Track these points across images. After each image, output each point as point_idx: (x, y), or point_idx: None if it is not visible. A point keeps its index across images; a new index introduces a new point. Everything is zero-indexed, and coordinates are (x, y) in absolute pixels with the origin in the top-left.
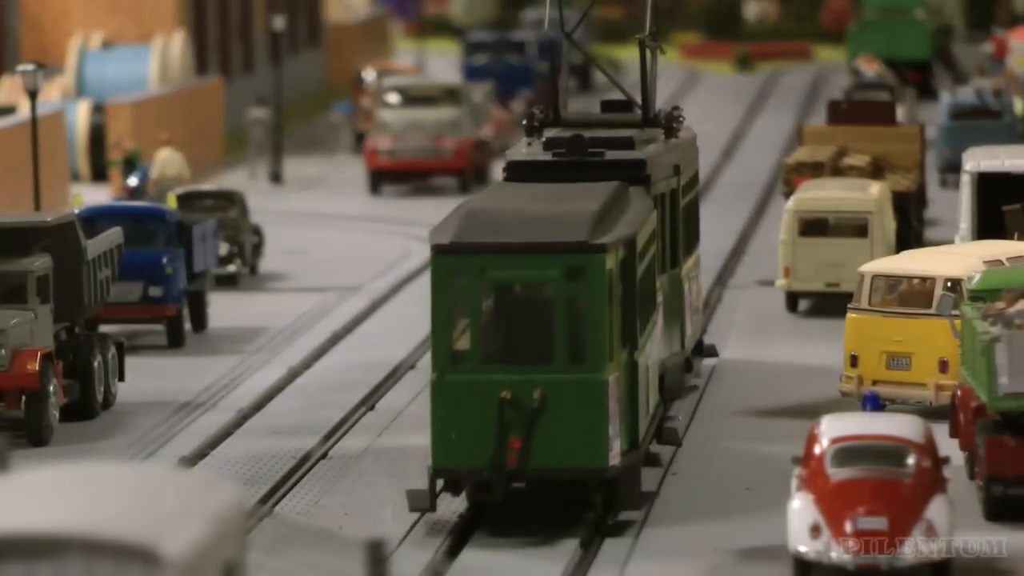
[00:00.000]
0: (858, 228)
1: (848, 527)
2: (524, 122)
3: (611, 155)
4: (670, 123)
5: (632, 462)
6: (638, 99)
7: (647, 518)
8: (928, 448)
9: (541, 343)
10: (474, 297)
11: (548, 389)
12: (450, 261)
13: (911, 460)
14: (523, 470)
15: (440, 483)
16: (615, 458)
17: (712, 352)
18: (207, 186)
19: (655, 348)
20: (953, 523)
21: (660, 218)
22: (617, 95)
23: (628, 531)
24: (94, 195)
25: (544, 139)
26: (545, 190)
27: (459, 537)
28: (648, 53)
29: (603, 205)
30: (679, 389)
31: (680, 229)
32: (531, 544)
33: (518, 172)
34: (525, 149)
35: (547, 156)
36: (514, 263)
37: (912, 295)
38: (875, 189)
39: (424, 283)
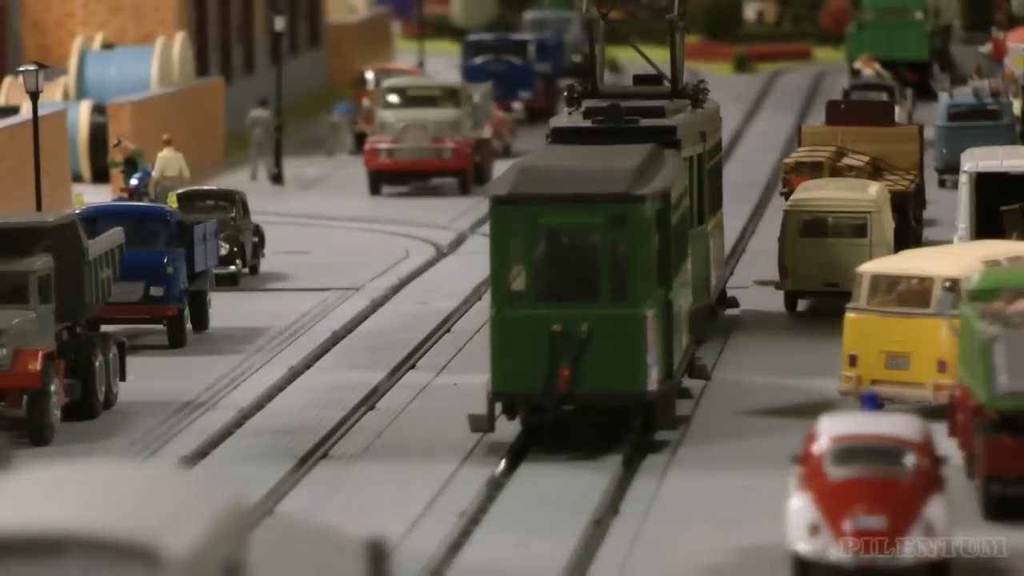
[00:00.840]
0: (857, 228)
1: (847, 526)
2: (565, 94)
3: (645, 122)
4: (696, 95)
5: (668, 389)
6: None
7: (648, 514)
8: (927, 447)
9: (588, 282)
10: (528, 242)
11: (594, 323)
12: (507, 210)
13: (910, 459)
14: (572, 394)
15: (498, 406)
16: (653, 384)
17: (733, 303)
18: (208, 186)
19: (686, 291)
20: (952, 523)
21: (688, 179)
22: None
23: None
24: (95, 195)
25: (583, 108)
26: (587, 151)
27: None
28: (676, 32)
29: (641, 163)
30: (705, 332)
31: (706, 189)
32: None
33: (561, 137)
34: (566, 117)
35: (587, 123)
36: (564, 211)
37: (911, 295)
38: (874, 189)
39: (424, 283)
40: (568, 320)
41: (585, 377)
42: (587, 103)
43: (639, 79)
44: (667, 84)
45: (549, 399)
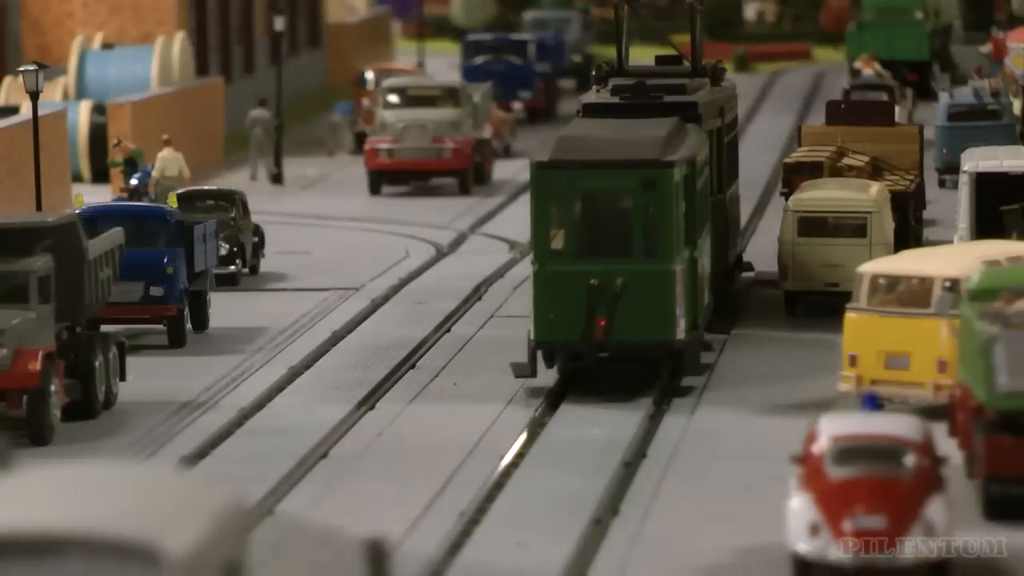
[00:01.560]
0: (857, 228)
1: (847, 526)
2: (593, 73)
3: (668, 98)
4: (715, 74)
5: (693, 338)
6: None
7: (648, 514)
8: (927, 447)
9: (622, 240)
10: (568, 204)
11: (627, 277)
12: (548, 175)
13: (910, 459)
14: (607, 342)
15: (539, 354)
16: (681, 333)
17: (749, 267)
18: (208, 186)
19: (709, 252)
20: (952, 523)
21: (709, 150)
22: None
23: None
24: (95, 195)
25: (611, 86)
26: (618, 123)
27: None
28: (696, 16)
29: (668, 133)
30: (725, 291)
31: (724, 161)
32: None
33: (591, 112)
34: (595, 94)
35: (615, 99)
36: (600, 176)
37: (911, 295)
38: (874, 189)
39: (424, 283)
40: (604, 275)
41: (619, 327)
42: (614, 81)
43: (660, 60)
44: (687, 64)
45: (586, 347)
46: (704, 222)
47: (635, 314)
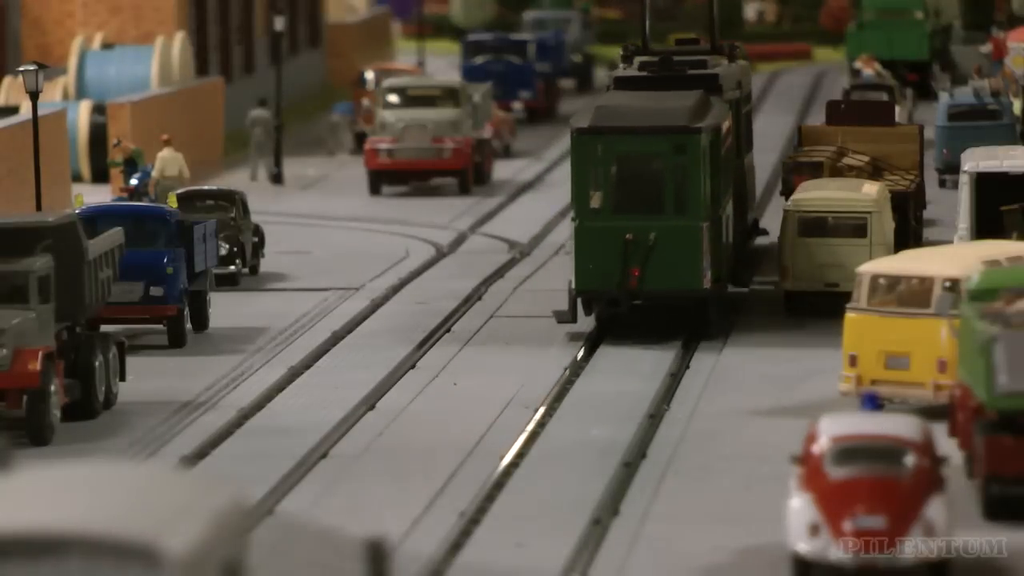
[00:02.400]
0: (857, 228)
1: (847, 526)
2: (621, 52)
3: (691, 71)
4: (731, 52)
5: (718, 289)
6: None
7: (648, 514)
8: (927, 447)
9: (654, 199)
10: (605, 166)
11: (659, 232)
12: (588, 140)
13: (910, 459)
14: (641, 290)
15: (579, 301)
16: (707, 283)
17: (763, 231)
18: (208, 186)
19: (731, 212)
20: (952, 523)
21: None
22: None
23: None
24: (95, 195)
25: (638, 63)
26: (648, 94)
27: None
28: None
29: (695, 104)
30: (742, 250)
31: (742, 130)
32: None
33: (622, 85)
34: (622, 70)
35: (644, 72)
36: (634, 141)
37: (911, 295)
38: (874, 189)
39: (424, 283)
40: (638, 230)
41: (652, 277)
42: (639, 59)
43: (680, 42)
44: (704, 45)
45: (622, 295)
46: (728, 185)
47: (666, 265)
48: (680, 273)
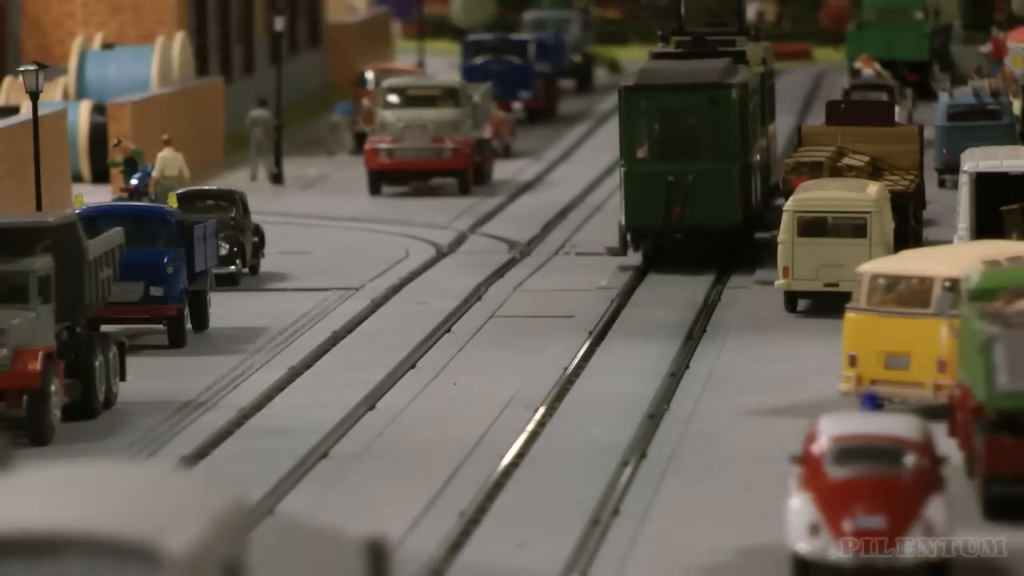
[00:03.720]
0: (857, 228)
1: (847, 526)
2: (659, 32)
3: (722, 48)
4: (756, 33)
5: (747, 222)
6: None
7: (648, 514)
8: (927, 447)
9: (691, 146)
10: (650, 118)
11: (697, 175)
12: (634, 96)
13: (910, 459)
14: (682, 225)
15: (629, 236)
16: (738, 218)
17: (779, 189)
18: (208, 186)
19: (757, 161)
20: (951, 523)
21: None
22: None
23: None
24: (95, 195)
25: (674, 42)
26: (684, 61)
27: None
28: None
29: (725, 66)
30: (766, 206)
31: (766, 101)
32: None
33: (659, 58)
34: (660, 48)
35: (680, 50)
36: (674, 96)
37: (911, 295)
38: (874, 189)
39: (424, 283)
40: (678, 173)
41: (690, 213)
42: (675, 38)
43: (709, 24)
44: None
45: (665, 229)
46: (754, 137)
47: (702, 203)
48: (715, 209)
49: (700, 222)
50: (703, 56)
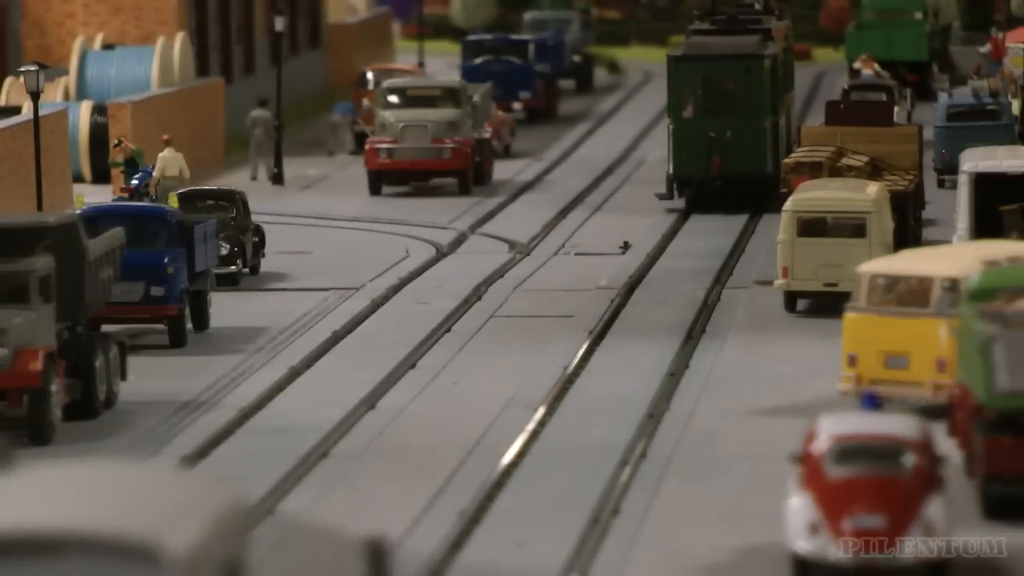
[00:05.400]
0: (856, 228)
1: (846, 526)
2: (695, 12)
3: (751, 26)
4: (780, 13)
5: (775, 169)
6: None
7: (648, 514)
8: (926, 447)
9: (730, 106)
10: (693, 83)
11: (734, 130)
12: (681, 64)
13: (909, 459)
14: (721, 174)
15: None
16: (768, 168)
17: (798, 142)
18: (208, 186)
19: (782, 122)
20: (951, 522)
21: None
22: None
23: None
24: (96, 195)
25: (709, 21)
26: (721, 36)
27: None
28: None
29: (757, 40)
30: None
31: (787, 72)
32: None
33: (699, 34)
34: (696, 25)
35: (714, 27)
36: (716, 65)
37: (910, 295)
38: (873, 189)
39: (424, 283)
40: (718, 129)
41: (729, 163)
42: (710, 18)
43: (738, 5)
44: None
45: (707, 176)
46: (780, 101)
47: (739, 154)
48: (749, 160)
49: (736, 170)
50: (736, 32)
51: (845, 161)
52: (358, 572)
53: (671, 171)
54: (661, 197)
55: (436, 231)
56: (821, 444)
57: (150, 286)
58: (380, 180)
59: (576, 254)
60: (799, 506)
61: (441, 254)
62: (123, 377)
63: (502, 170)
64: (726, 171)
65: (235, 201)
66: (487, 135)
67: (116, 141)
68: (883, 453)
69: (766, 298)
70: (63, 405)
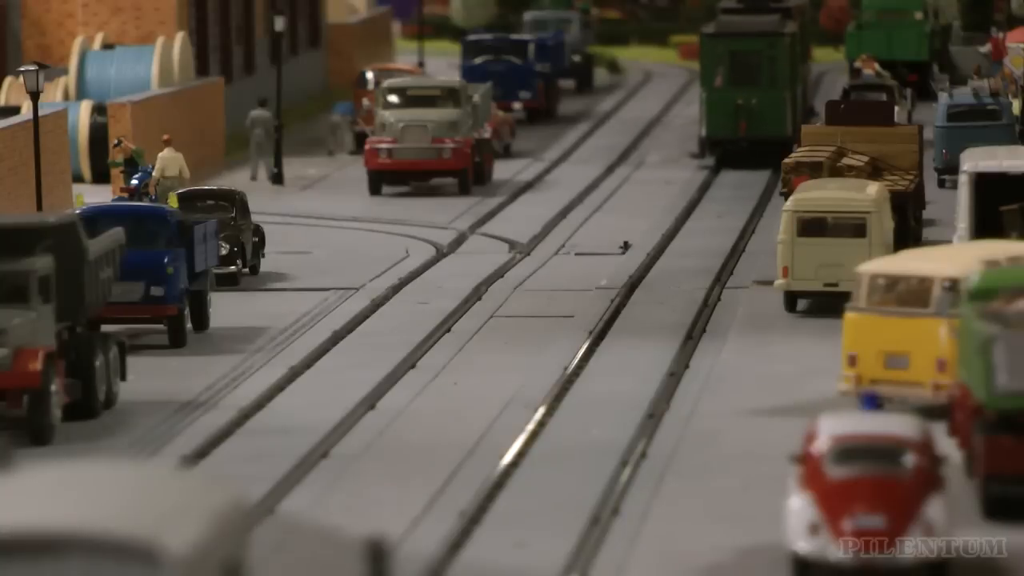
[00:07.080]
0: (856, 228)
1: (847, 526)
2: None
3: (773, 5)
4: None
5: (794, 132)
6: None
7: (648, 514)
8: (926, 447)
9: (755, 78)
10: (723, 58)
11: (759, 98)
12: (713, 40)
13: (909, 459)
14: (747, 137)
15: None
16: (788, 131)
17: (817, 114)
18: (208, 186)
19: (800, 92)
20: (951, 522)
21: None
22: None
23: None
24: (96, 196)
25: (736, 1)
26: (747, 15)
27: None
28: None
29: (779, 19)
30: (803, 120)
31: (804, 47)
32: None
33: (727, 13)
34: (724, 4)
35: (741, 5)
36: (744, 41)
37: (910, 295)
38: (873, 189)
39: (424, 283)
40: (745, 97)
41: (754, 127)
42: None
43: None
44: None
45: (735, 138)
46: (798, 73)
47: (763, 120)
48: (772, 124)
49: (760, 134)
50: (760, 12)
51: (845, 161)
52: (358, 572)
53: (703, 134)
54: (693, 156)
55: (436, 231)
56: (821, 444)
57: (150, 286)
58: (380, 180)
59: (576, 254)
60: (799, 506)
61: (441, 254)
62: (123, 377)
63: (502, 170)
64: (751, 134)
65: (235, 201)
66: (487, 135)
67: (116, 141)
68: (883, 453)
69: (766, 298)
70: (63, 405)
